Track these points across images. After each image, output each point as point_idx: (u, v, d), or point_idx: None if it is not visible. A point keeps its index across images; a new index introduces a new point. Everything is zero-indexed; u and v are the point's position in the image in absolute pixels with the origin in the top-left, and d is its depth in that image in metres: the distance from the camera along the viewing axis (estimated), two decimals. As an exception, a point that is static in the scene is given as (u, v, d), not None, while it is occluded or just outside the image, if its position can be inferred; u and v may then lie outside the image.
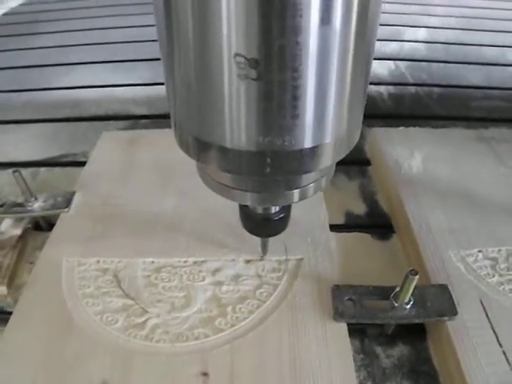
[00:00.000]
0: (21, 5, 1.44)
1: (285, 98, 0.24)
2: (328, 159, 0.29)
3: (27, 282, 0.44)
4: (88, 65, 0.98)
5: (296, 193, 0.33)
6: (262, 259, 0.45)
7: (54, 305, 0.41)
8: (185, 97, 0.27)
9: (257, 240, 0.43)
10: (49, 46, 1.09)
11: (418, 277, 0.37)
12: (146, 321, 0.40)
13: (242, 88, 0.24)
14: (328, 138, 0.27)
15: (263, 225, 0.39)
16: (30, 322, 0.40)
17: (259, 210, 0.38)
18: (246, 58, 0.23)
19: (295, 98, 0.24)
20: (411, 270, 0.37)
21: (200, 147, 0.29)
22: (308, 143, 0.27)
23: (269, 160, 0.27)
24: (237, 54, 0.23)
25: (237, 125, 0.26)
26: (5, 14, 1.36)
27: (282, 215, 0.38)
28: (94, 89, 0.88)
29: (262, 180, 0.31)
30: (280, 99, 0.24)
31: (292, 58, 0.23)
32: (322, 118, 0.26)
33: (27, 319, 0.40)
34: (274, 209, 0.38)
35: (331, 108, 0.26)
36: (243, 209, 0.39)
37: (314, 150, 0.27)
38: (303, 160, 0.27)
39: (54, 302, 0.41)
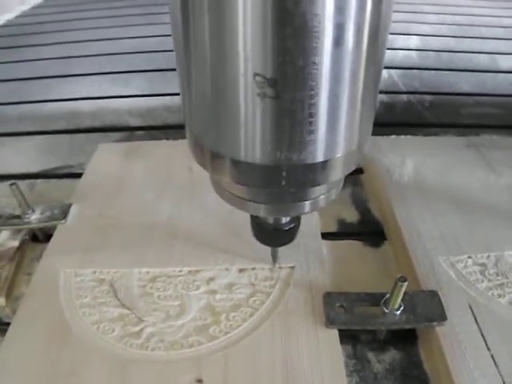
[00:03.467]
0: (16, 17, 1.44)
1: (302, 115, 0.25)
2: (339, 172, 0.30)
3: (25, 293, 0.44)
4: (84, 76, 0.99)
5: (307, 204, 0.34)
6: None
7: (51, 315, 0.41)
8: (202, 112, 0.28)
9: (249, 249, 0.43)
10: (45, 58, 1.09)
11: (406, 283, 0.37)
12: (141, 330, 0.40)
13: (260, 106, 0.25)
14: (339, 153, 0.29)
15: (274, 235, 0.40)
16: (28, 333, 0.40)
17: (270, 221, 0.39)
18: (265, 77, 0.24)
19: (311, 115, 0.25)
20: (400, 277, 0.37)
21: (216, 160, 0.30)
22: (320, 157, 0.28)
23: (285, 174, 0.28)
24: (256, 74, 0.24)
25: (253, 140, 0.27)
26: (0, 26, 1.37)
27: (292, 225, 0.39)
28: (91, 100, 0.88)
29: (275, 192, 0.32)
30: (297, 116, 0.25)
31: (309, 77, 0.24)
32: (335, 133, 0.27)
33: (25, 330, 0.40)
34: (285, 219, 0.39)
35: (343, 124, 0.27)
36: (255, 219, 0.40)
37: (327, 164, 0.28)
38: (316, 173, 0.29)
39: (51, 312, 0.42)
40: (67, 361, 0.38)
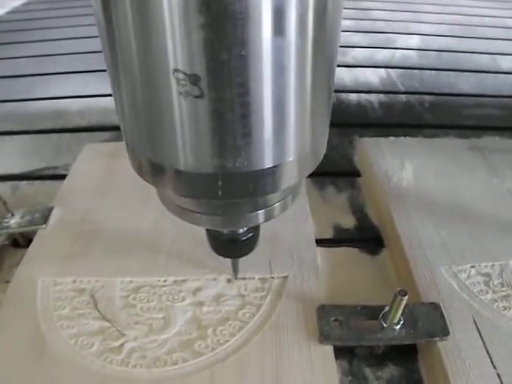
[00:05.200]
0: (7, 13, 1.43)
1: (232, 116, 0.22)
2: (292, 178, 0.27)
3: (1, 302, 0.42)
4: (71, 74, 0.97)
5: (260, 214, 0.31)
6: (242, 279, 0.43)
7: (27, 327, 0.39)
8: (132, 116, 0.25)
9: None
10: (31, 56, 1.07)
11: (407, 297, 0.35)
12: (122, 344, 0.38)
13: (186, 106, 0.22)
14: (290, 156, 0.26)
15: (231, 246, 0.38)
16: (1, 345, 0.38)
17: (226, 231, 0.36)
18: (185, 73, 0.21)
19: (244, 116, 0.22)
20: (400, 291, 0.35)
21: (152, 169, 0.27)
22: (266, 163, 0.25)
23: (220, 183, 0.25)
24: (176, 70, 0.21)
25: (185, 145, 0.24)
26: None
27: (250, 235, 0.37)
28: (78, 99, 0.86)
29: (220, 203, 0.29)
30: (227, 118, 0.22)
31: (236, 73, 0.21)
32: (281, 135, 0.24)
33: (-1, 342, 0.38)
34: (242, 229, 0.36)
35: (291, 124, 0.24)
36: (209, 230, 0.37)
37: (275, 170, 0.25)
38: (262, 181, 0.26)
39: (27, 324, 0.39)
40: (43, 378, 0.35)
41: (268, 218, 0.32)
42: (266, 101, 0.22)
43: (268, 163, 0.25)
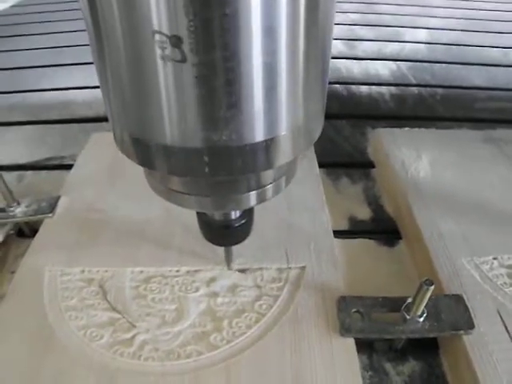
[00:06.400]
0: (11, 6, 1.43)
1: (217, 83, 0.20)
2: (284, 155, 0.25)
3: (7, 293, 0.40)
4: (79, 66, 0.96)
5: (251, 196, 0.29)
6: (259, 269, 0.42)
7: (34, 318, 0.38)
8: (116, 88, 0.24)
9: (256, 246, 0.39)
10: (37, 48, 1.07)
11: (433, 287, 0.34)
12: (133, 336, 0.37)
13: (168, 73, 0.20)
14: (282, 130, 0.24)
15: (224, 233, 0.36)
16: (7, 337, 0.37)
17: (218, 217, 0.35)
18: (166, 35, 0.19)
19: (230, 83, 0.21)
20: (426, 280, 0.34)
21: (135, 145, 0.25)
22: (256, 137, 0.23)
23: (206, 158, 0.23)
24: (156, 32, 0.19)
25: (168, 117, 0.22)
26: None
27: (243, 221, 0.35)
28: (85, 90, 0.85)
29: (208, 182, 0.28)
30: (212, 85, 0.21)
31: (220, 34, 0.19)
32: (272, 106, 0.22)
33: (4, 334, 0.37)
34: (235, 214, 0.34)
35: (282, 94, 0.22)
36: (201, 216, 0.35)
37: (265, 145, 0.24)
38: (252, 157, 0.24)
39: (34, 315, 0.38)
40: (50, 371, 0.34)
41: (260, 200, 0.30)
42: (254, 67, 0.21)
43: (258, 137, 0.23)
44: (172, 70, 0.20)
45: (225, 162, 0.24)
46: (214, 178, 0.27)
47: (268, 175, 0.29)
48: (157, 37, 0.19)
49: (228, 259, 0.41)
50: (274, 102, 0.22)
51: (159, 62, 0.20)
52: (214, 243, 0.38)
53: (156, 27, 0.19)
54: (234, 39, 0.19)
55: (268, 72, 0.21)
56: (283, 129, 0.24)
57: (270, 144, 0.24)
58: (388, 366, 0.38)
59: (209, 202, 0.29)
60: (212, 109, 0.21)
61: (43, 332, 0.37)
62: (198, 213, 0.35)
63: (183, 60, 0.20)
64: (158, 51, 0.20)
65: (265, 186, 0.29)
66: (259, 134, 0.23)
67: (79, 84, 0.87)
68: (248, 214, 0.35)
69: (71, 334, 0.37)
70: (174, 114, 0.22)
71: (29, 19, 1.29)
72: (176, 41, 0.19)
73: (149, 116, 0.23)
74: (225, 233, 0.36)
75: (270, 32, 0.20)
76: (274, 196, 0.30)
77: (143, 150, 0.25)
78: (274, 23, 0.20)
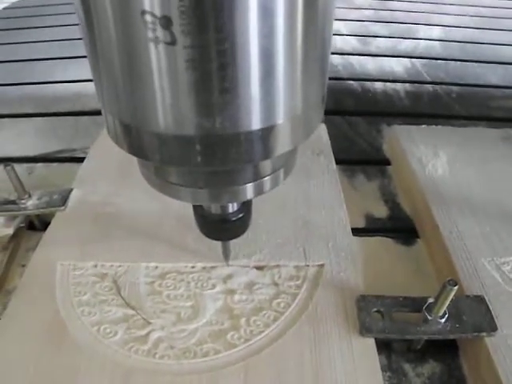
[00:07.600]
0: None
1: (209, 67, 0.20)
2: (282, 145, 0.24)
3: (17, 287, 0.40)
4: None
5: (248, 188, 0.28)
6: (276, 266, 0.41)
7: (45, 313, 0.37)
8: (108, 75, 0.23)
9: (273, 243, 0.38)
10: (48, 40, 1.07)
11: (457, 287, 0.33)
12: (148, 334, 0.36)
13: (158, 55, 0.20)
14: (279, 118, 0.23)
15: (221, 227, 0.35)
16: (18, 333, 0.36)
17: (214, 210, 0.34)
18: (155, 16, 0.18)
19: (223, 67, 0.20)
20: (449, 280, 0.33)
21: (126, 133, 0.24)
22: (251, 125, 0.22)
23: (199, 147, 0.22)
24: (144, 12, 0.18)
25: (158, 103, 0.21)
26: (5, 8, 1.35)
27: (240, 215, 0.34)
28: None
29: (202, 172, 0.27)
30: (204, 69, 0.20)
31: (213, 14, 0.18)
32: (268, 92, 0.21)
33: (15, 329, 0.36)
34: (232, 207, 0.34)
35: (279, 80, 0.21)
36: (197, 209, 0.35)
37: (261, 134, 0.23)
38: (247, 146, 0.23)
39: (45, 310, 0.37)
40: (61, 367, 0.33)
41: (256, 193, 0.29)
42: (250, 50, 0.20)
43: (253, 125, 0.22)
44: (161, 52, 0.19)
45: (219, 151, 0.23)
46: (208, 169, 0.26)
47: (265, 166, 0.28)
48: (147, 17, 0.18)
49: (226, 254, 0.40)
50: (270, 88, 0.21)
51: (149, 44, 0.19)
52: (210, 238, 0.37)
53: (146, 7, 0.18)
54: (227, 20, 0.18)
55: (264, 56, 0.20)
56: (280, 117, 0.23)
57: (266, 133, 0.23)
58: (407, 367, 0.37)
59: (204, 194, 0.28)
60: (204, 94, 0.20)
61: (55, 327, 0.36)
62: (194, 206, 0.35)
63: (173, 42, 0.19)
64: (147, 33, 0.19)
65: (262, 177, 0.28)
66: (255, 122, 0.22)
67: (90, 76, 0.86)
68: (246, 207, 0.35)
69: (84, 330, 0.36)
70: (166, 100, 0.21)
71: (41, 11, 1.29)
72: (166, 22, 0.18)
73: (140, 101, 0.22)
74: (222, 227, 0.35)
75: (266, 12, 0.19)
76: (272, 189, 0.29)
77: (134, 137, 0.24)
78: (271, 3, 0.19)
